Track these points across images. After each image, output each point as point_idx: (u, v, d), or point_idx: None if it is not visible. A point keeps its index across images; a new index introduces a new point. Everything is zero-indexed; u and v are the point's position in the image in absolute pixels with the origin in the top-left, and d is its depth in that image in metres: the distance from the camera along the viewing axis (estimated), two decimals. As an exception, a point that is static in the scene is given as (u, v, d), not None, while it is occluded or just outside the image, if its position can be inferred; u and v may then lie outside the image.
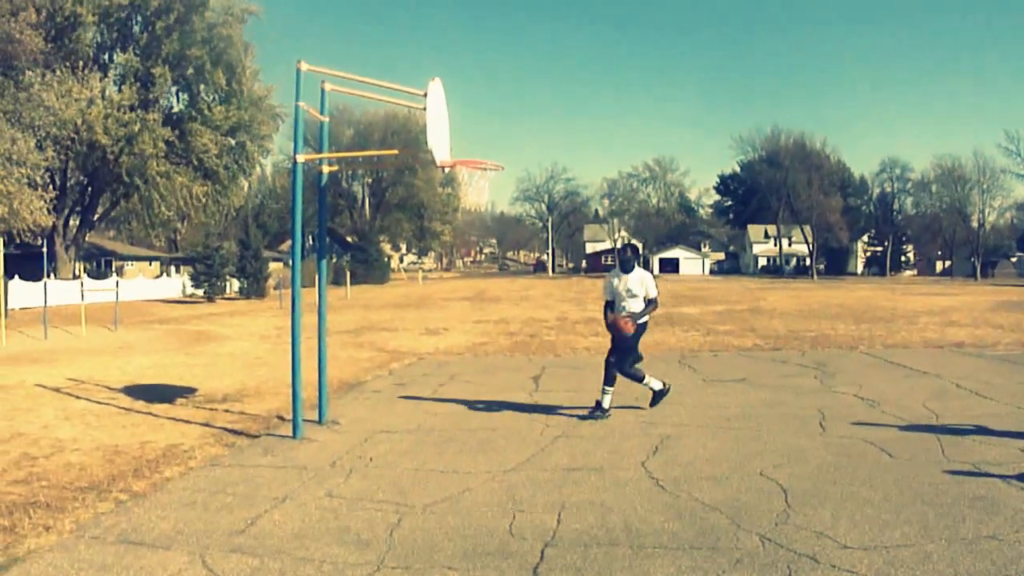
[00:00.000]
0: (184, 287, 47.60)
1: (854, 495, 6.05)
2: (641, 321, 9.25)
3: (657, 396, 9.68)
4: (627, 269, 9.29)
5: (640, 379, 9.47)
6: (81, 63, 39.24)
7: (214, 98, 45.85)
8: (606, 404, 9.33)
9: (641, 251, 9.87)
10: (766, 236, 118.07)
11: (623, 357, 9.33)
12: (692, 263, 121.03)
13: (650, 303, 9.23)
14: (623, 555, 4.94)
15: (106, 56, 45.12)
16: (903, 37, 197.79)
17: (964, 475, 6.48)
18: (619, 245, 9.99)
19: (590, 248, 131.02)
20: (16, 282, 32.91)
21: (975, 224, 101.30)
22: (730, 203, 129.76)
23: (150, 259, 74.74)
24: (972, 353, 15.08)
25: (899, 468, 6.78)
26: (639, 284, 9.20)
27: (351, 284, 51.91)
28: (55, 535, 5.44)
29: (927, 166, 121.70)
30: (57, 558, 5.00)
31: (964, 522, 5.37)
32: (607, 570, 4.72)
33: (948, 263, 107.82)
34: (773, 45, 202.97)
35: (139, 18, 44.28)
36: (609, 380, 9.30)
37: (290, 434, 8.49)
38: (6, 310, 23.54)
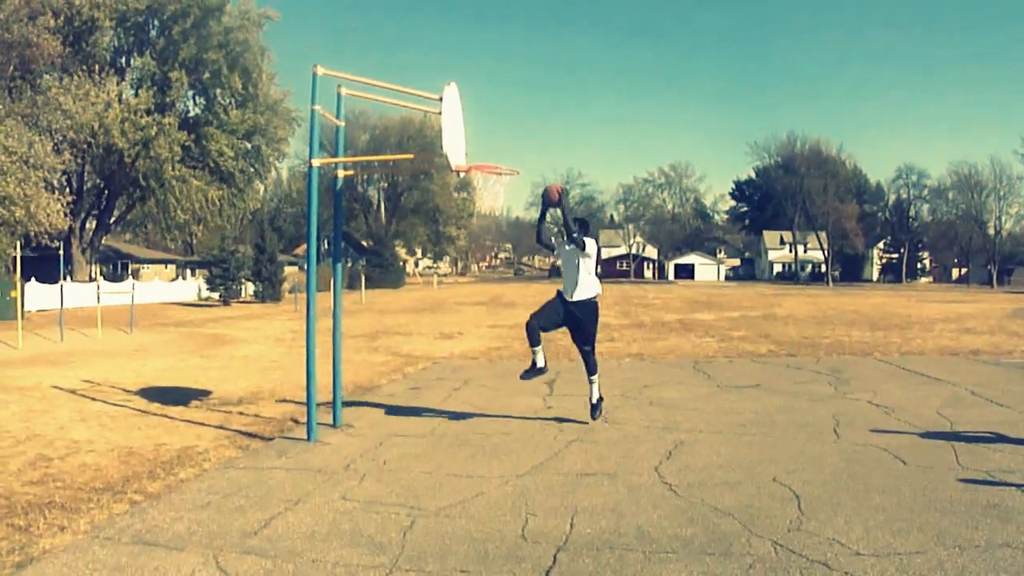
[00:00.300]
0: (200, 290, 47.74)
1: (867, 502, 6.03)
2: (588, 296, 8.83)
3: (533, 370, 9.03)
4: (574, 240, 8.84)
5: (535, 344, 8.97)
6: (98, 67, 39.57)
7: (230, 102, 46.11)
8: (596, 395, 9.22)
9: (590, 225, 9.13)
10: (781, 242, 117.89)
11: (593, 339, 9.09)
12: (707, 269, 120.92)
13: (578, 239, 8.65)
14: (635, 560, 4.94)
15: (123, 60, 45.50)
16: (919, 43, 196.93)
17: (978, 483, 6.45)
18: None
19: (605, 253, 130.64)
20: (33, 284, 33.12)
21: (992, 231, 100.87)
22: (745, 209, 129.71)
23: (166, 262, 75.25)
24: (988, 361, 15.00)
25: (913, 475, 6.75)
26: (584, 257, 8.78)
27: (366, 288, 52.04)
28: (70, 535, 5.47)
29: (943, 173, 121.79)
30: (72, 558, 5.04)
31: (978, 530, 5.34)
32: (619, 575, 4.72)
33: (964, 270, 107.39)
34: (788, 51, 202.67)
35: (156, 22, 44.63)
36: (592, 369, 9.10)
37: (304, 437, 8.51)
38: (23, 312, 23.68)
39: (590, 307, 8.93)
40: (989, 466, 6.96)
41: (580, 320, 8.91)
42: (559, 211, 8.84)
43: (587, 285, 8.85)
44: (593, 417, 9.22)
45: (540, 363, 8.97)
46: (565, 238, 8.80)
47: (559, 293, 8.99)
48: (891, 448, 7.73)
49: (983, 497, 6.06)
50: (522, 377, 9.19)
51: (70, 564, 4.94)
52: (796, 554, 4.96)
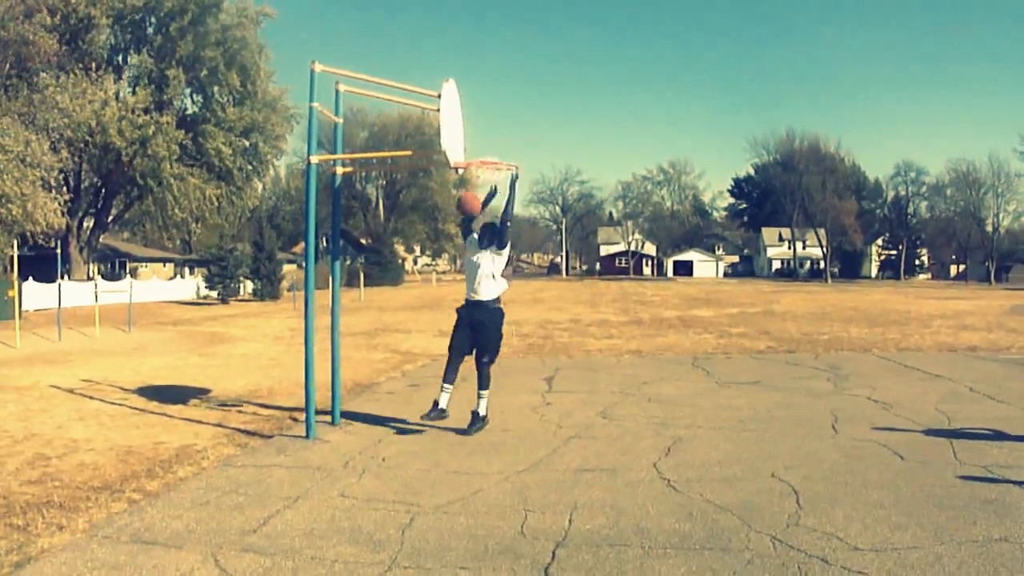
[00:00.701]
0: (198, 289, 47.73)
1: (866, 497, 6.03)
2: (492, 297, 8.41)
3: (434, 410, 8.52)
4: (483, 245, 8.48)
5: (448, 381, 8.58)
6: (95, 65, 39.52)
7: (228, 99, 46.06)
8: (483, 410, 8.68)
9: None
10: (780, 239, 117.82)
11: (493, 351, 8.58)
12: (706, 266, 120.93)
13: (504, 234, 8.41)
14: (634, 556, 4.94)
15: (120, 58, 45.43)
16: (918, 40, 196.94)
17: (976, 479, 6.46)
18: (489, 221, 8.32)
19: (604, 250, 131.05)
20: (30, 284, 33.09)
21: (990, 228, 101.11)
22: (744, 206, 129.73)
23: (164, 261, 75.16)
24: (986, 357, 15.01)
25: (911, 471, 6.76)
26: (490, 257, 8.42)
27: (365, 286, 52.00)
28: (68, 534, 5.47)
29: (942, 170, 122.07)
30: (70, 557, 5.03)
31: (976, 525, 5.35)
32: (618, 571, 4.72)
33: (962, 267, 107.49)
34: (787, 47, 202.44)
35: (153, 20, 44.54)
36: (483, 383, 8.63)
37: (303, 435, 8.51)
38: (20, 312, 23.67)
39: (494, 311, 8.52)
40: (987, 461, 6.97)
41: (483, 324, 8.47)
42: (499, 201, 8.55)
43: (494, 285, 8.45)
44: (469, 431, 8.53)
45: (443, 404, 8.52)
46: (478, 231, 8.49)
47: (458, 310, 8.67)
48: (889, 444, 7.74)
49: (981, 492, 6.07)
50: (423, 418, 8.60)
51: (68, 563, 4.94)
52: (794, 549, 4.96)
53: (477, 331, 8.53)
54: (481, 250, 8.44)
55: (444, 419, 8.57)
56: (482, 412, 8.66)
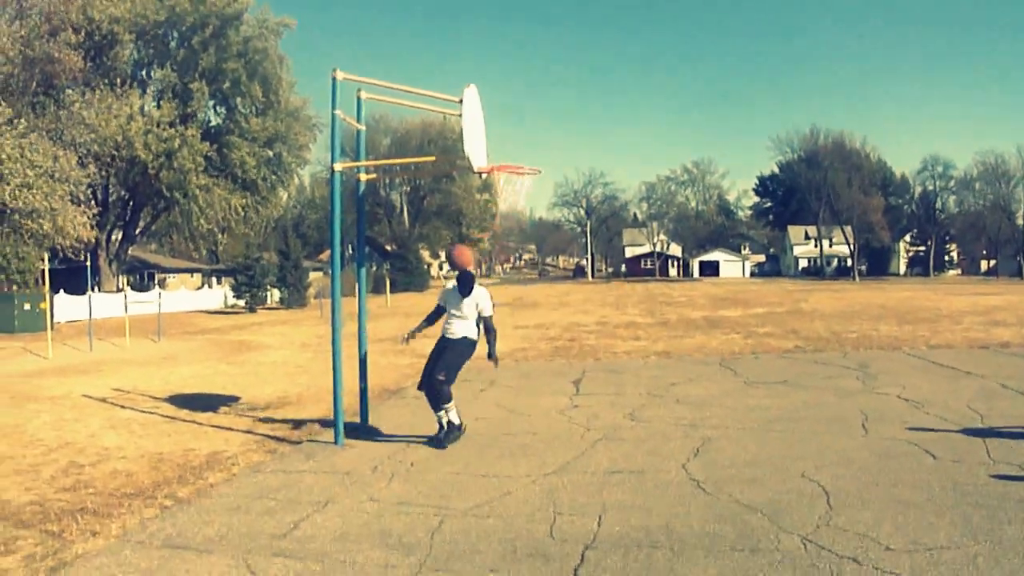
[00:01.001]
0: (226, 298, 48.11)
1: (897, 497, 5.97)
2: (468, 335, 8.42)
3: (450, 431, 8.41)
4: (464, 292, 8.37)
5: (439, 406, 8.44)
6: (120, 80, 39.94)
7: (251, 110, 46.47)
8: (455, 420, 8.47)
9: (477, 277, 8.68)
10: (807, 237, 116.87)
11: (451, 371, 8.36)
12: (732, 265, 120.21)
13: (485, 322, 8.49)
14: (664, 557, 4.93)
15: (144, 73, 45.93)
16: (943, 33, 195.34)
17: (1010, 477, 6.38)
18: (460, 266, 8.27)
19: (629, 252, 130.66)
20: (62, 296, 33.46)
21: (1020, 221, 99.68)
22: (769, 204, 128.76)
23: (191, 271, 75.74)
24: (1019, 353, 14.82)
25: (943, 469, 6.69)
26: (472, 305, 8.40)
27: (391, 292, 52.14)
28: (102, 540, 5.54)
29: (969, 163, 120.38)
30: (104, 563, 5.09)
31: (1011, 524, 5.28)
32: (648, 572, 4.71)
33: (993, 262, 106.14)
34: (810, 44, 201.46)
35: (175, 34, 45.00)
36: (446, 397, 8.35)
37: (332, 440, 8.55)
38: (52, 323, 23.93)
39: (464, 341, 8.45)
40: (1021, 460, 6.88)
41: (446, 349, 8.44)
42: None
43: (471, 327, 8.47)
44: (442, 443, 8.35)
45: (456, 421, 8.46)
46: (461, 289, 8.42)
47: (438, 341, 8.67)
48: (920, 442, 7.66)
49: (1016, 491, 5.99)
50: (437, 447, 8.30)
51: (102, 568, 5.00)
52: (825, 550, 4.93)
53: (442, 351, 8.49)
54: (463, 298, 8.41)
55: (463, 433, 8.52)
56: (456, 421, 8.46)
